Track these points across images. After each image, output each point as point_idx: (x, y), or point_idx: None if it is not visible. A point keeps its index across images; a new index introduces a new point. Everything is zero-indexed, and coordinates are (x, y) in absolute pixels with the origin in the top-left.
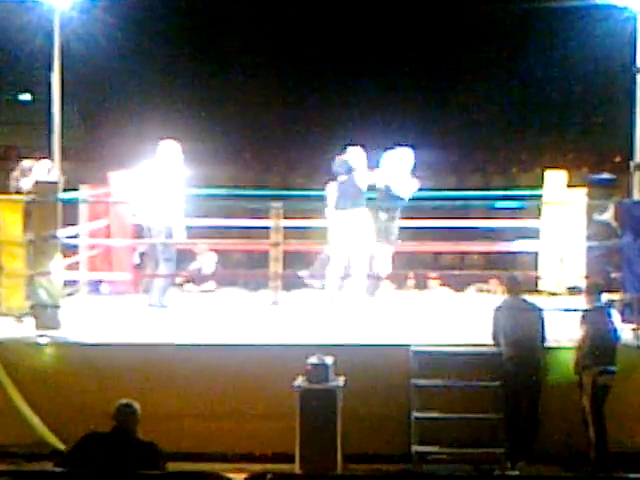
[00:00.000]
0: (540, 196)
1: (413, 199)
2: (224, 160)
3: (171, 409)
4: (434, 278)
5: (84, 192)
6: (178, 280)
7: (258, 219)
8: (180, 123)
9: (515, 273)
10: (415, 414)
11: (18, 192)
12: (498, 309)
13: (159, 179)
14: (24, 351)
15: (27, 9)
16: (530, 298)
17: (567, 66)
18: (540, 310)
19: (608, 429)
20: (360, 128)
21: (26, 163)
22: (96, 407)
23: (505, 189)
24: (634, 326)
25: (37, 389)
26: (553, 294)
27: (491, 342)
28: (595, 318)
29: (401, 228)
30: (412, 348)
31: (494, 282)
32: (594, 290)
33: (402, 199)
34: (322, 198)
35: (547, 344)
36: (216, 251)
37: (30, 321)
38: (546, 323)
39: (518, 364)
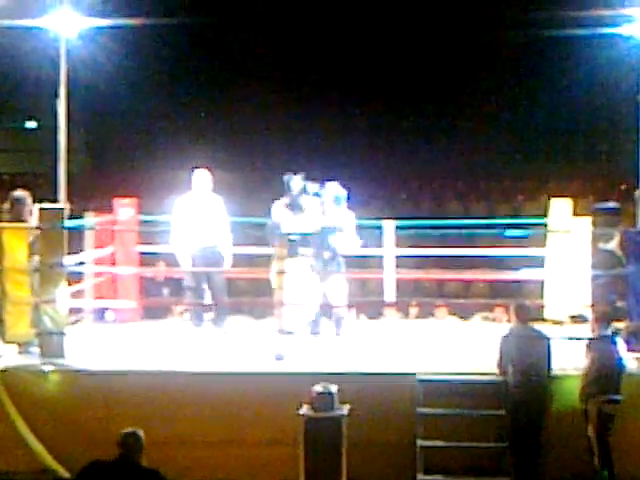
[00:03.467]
0: (545, 224)
1: (417, 227)
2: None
3: (176, 437)
4: (441, 306)
5: (89, 219)
6: (179, 309)
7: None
8: (187, 150)
9: (524, 301)
10: (420, 442)
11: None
12: (506, 337)
13: (202, 208)
14: (29, 379)
15: (33, 36)
16: (537, 326)
17: (573, 94)
18: (548, 339)
19: (613, 458)
20: (360, 156)
21: (17, 193)
22: (101, 435)
23: (510, 217)
24: (639, 355)
25: (41, 417)
26: (558, 322)
27: (496, 370)
28: (601, 347)
29: (406, 257)
30: (417, 377)
31: (499, 310)
32: (602, 319)
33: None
34: None
35: (553, 373)
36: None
37: (35, 349)
38: (553, 352)
39: (524, 392)
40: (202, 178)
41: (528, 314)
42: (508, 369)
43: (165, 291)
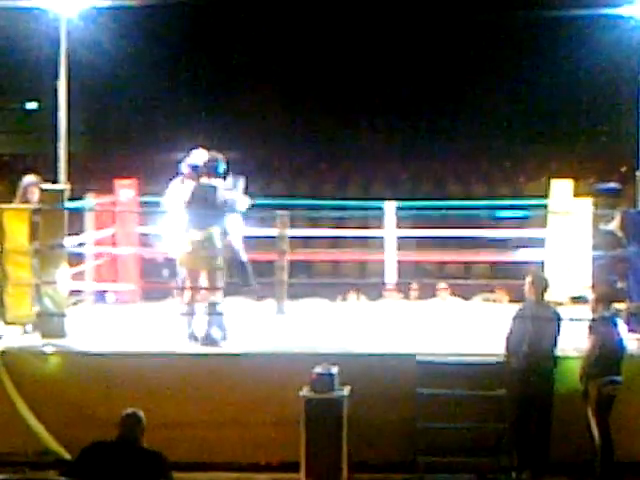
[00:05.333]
0: (546, 205)
1: (418, 209)
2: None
3: (176, 418)
4: (443, 288)
5: (90, 200)
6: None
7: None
8: (187, 130)
9: (540, 273)
10: (420, 423)
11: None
12: (520, 316)
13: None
14: (30, 360)
15: (33, 17)
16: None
17: (573, 75)
18: (560, 319)
19: (614, 439)
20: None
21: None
22: (101, 416)
23: (511, 198)
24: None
25: (42, 398)
26: (559, 304)
27: (498, 350)
28: (601, 328)
29: (406, 238)
30: (417, 358)
31: (500, 291)
32: (603, 300)
33: None
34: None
35: (556, 353)
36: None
37: (36, 330)
38: (560, 332)
39: (532, 372)
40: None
41: (545, 289)
42: (520, 349)
43: (165, 272)
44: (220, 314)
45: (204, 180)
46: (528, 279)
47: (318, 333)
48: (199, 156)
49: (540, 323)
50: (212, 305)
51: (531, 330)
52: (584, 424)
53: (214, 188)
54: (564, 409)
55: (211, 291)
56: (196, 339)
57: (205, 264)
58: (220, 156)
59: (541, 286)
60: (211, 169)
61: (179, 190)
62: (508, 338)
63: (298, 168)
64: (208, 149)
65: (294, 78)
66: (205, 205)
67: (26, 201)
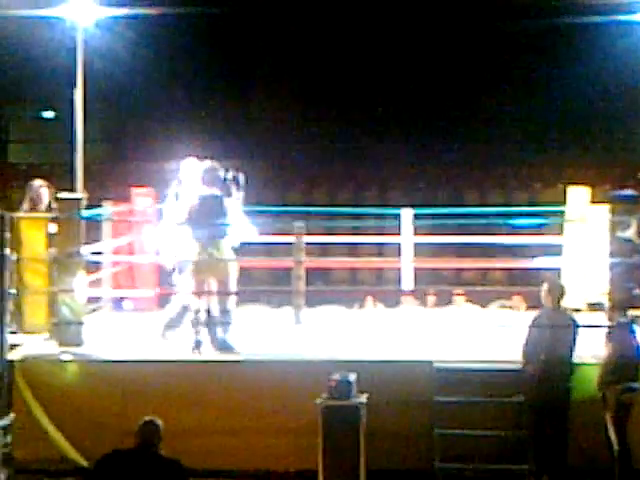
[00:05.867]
0: (562, 212)
1: (435, 216)
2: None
3: (194, 426)
4: (460, 294)
5: (107, 209)
6: None
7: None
8: (204, 140)
9: (557, 280)
10: (438, 430)
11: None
12: (537, 324)
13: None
14: (47, 368)
15: (50, 26)
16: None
17: (589, 81)
18: (578, 326)
19: (632, 446)
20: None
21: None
22: (119, 424)
23: (527, 205)
24: None
25: (60, 406)
26: (576, 310)
27: (516, 357)
28: (619, 335)
29: (423, 245)
30: (435, 365)
31: (517, 298)
32: (620, 306)
33: None
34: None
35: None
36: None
37: (53, 338)
38: (578, 338)
39: (550, 380)
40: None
41: (561, 296)
42: (537, 357)
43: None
44: (229, 322)
45: (207, 189)
46: (544, 286)
47: (335, 340)
48: (198, 165)
49: (557, 330)
50: (225, 312)
51: (548, 337)
52: (602, 431)
53: (219, 198)
54: (582, 416)
55: (225, 298)
56: (199, 346)
57: (217, 272)
58: (218, 165)
59: (557, 293)
60: (214, 178)
61: (181, 199)
62: (525, 345)
63: (315, 176)
64: (201, 158)
65: (310, 86)
66: (211, 215)
67: (35, 205)
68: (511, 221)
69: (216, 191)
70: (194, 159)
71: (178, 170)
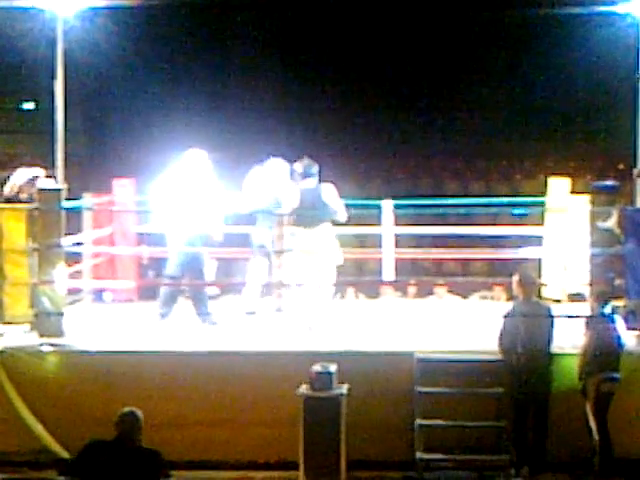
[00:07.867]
0: (543, 203)
1: (416, 206)
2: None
3: (174, 417)
4: (440, 285)
5: (88, 200)
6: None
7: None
8: (185, 131)
9: (528, 271)
10: (419, 421)
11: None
12: (510, 316)
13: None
14: (27, 359)
15: (30, 17)
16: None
17: (570, 73)
18: (552, 316)
19: (612, 435)
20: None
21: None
22: (99, 415)
23: (508, 196)
24: (638, 333)
25: (40, 397)
26: (556, 301)
27: (496, 348)
28: (599, 325)
29: (404, 235)
30: (416, 355)
31: (498, 289)
32: (601, 297)
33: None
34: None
35: (552, 351)
36: (218, 259)
37: (33, 329)
38: (555, 328)
39: (531, 372)
40: (192, 158)
41: (533, 287)
42: (514, 349)
43: (150, 273)
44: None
45: (307, 183)
46: (515, 278)
47: (316, 331)
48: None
49: (532, 321)
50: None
51: (522, 329)
52: (583, 421)
53: (318, 191)
54: (562, 406)
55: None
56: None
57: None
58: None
59: (529, 284)
60: (308, 173)
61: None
62: (500, 338)
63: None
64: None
65: (287, 76)
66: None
67: (18, 199)
68: (497, 210)
69: (313, 184)
70: (202, 151)
71: (171, 161)
